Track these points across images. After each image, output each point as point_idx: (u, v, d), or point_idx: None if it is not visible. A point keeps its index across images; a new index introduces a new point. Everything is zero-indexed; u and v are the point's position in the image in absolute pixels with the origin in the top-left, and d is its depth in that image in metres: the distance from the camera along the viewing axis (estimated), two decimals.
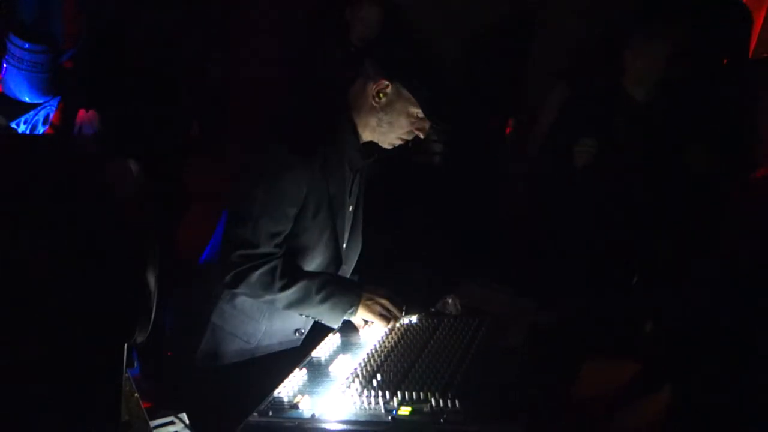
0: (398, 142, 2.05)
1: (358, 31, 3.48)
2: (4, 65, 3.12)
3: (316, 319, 2.05)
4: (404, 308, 2.08)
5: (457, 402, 1.57)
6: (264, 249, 1.92)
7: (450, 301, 2.23)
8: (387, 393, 1.62)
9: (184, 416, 1.65)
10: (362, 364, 1.81)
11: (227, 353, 2.04)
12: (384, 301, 2.03)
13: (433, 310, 2.24)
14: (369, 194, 2.26)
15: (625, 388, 1.90)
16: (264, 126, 2.08)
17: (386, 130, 2.01)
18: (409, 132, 2.02)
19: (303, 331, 2.09)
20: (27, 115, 3.18)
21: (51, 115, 3.18)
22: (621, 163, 3.30)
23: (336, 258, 2.07)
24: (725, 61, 3.52)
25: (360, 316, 2.03)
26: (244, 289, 1.94)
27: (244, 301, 2.01)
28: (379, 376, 1.73)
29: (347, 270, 2.18)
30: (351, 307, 2.00)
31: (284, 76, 3.74)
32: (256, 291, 1.94)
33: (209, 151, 3.88)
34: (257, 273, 1.91)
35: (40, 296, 1.06)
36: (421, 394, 1.61)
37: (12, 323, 1.05)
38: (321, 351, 1.94)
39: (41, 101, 3.17)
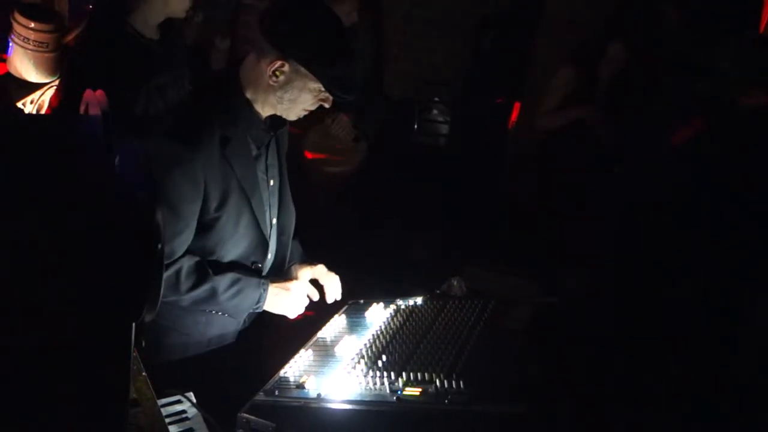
0: (303, 114, 1.96)
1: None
2: (10, 44, 3.11)
3: (221, 314, 2.01)
4: (316, 300, 2.06)
5: (461, 383, 1.57)
6: (165, 250, 1.86)
7: (455, 283, 2.24)
8: (392, 374, 1.63)
9: (191, 395, 1.66)
10: (368, 345, 1.82)
11: (168, 347, 2.00)
12: (290, 294, 2.01)
13: (438, 292, 2.25)
14: (375, 177, 2.25)
15: None
16: (154, 124, 1.96)
17: (288, 106, 1.90)
18: (314, 104, 1.92)
19: (260, 303, 2.03)
20: (33, 95, 3.17)
21: None
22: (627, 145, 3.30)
23: (262, 239, 2.00)
24: None
25: (267, 309, 2.01)
26: None
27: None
28: (384, 357, 1.73)
29: (286, 241, 2.12)
30: (257, 303, 1.98)
31: None
32: (164, 291, 1.90)
33: None
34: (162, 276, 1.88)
35: (49, 276, 1.06)
36: (426, 375, 1.62)
37: (21, 303, 1.06)
38: (327, 332, 1.95)
39: (47, 81, 3.16)
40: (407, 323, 1.97)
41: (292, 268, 2.16)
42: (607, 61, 3.56)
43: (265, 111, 1.93)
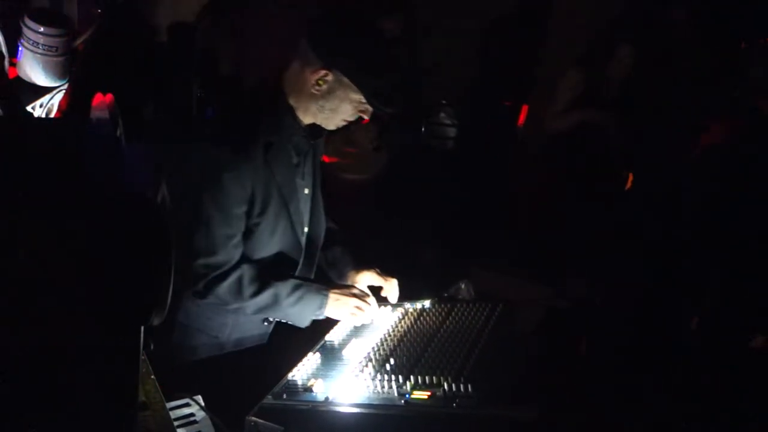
0: (342, 124, 1.98)
1: None
2: (20, 49, 3.13)
3: (284, 321, 2.01)
4: (375, 304, 2.04)
5: (470, 386, 1.57)
6: (222, 255, 1.88)
7: (463, 286, 2.23)
8: (400, 377, 1.63)
9: (199, 398, 1.66)
10: (375, 348, 1.82)
11: (196, 348, 2.02)
12: (351, 299, 2.00)
13: (446, 295, 2.24)
14: (382, 180, 2.25)
15: None
16: (202, 129, 2.00)
17: (329, 115, 1.93)
18: (353, 115, 1.95)
19: (271, 319, 2.06)
20: (42, 99, 3.19)
21: None
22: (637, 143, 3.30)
23: (296, 245, 2.02)
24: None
25: (329, 315, 2.00)
26: (214, 299, 1.92)
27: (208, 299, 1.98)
28: (392, 361, 1.73)
29: (315, 250, 2.13)
30: (319, 308, 1.97)
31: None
32: (226, 300, 1.92)
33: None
34: (225, 284, 1.89)
35: (58, 279, 1.07)
36: (434, 378, 1.62)
37: (31, 306, 1.07)
38: (335, 335, 1.95)
39: (57, 85, 3.17)
40: (415, 326, 1.97)
41: (349, 273, 2.18)
42: (615, 62, 3.56)
43: (306, 119, 1.96)
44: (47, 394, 1.08)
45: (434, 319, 2.02)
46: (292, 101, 1.92)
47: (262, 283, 1.93)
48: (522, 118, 4.58)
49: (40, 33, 3.05)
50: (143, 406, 1.46)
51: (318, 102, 1.90)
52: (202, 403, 1.64)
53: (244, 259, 1.95)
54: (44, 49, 3.08)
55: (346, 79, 1.86)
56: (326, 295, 1.98)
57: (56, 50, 3.09)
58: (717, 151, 2.66)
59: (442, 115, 4.34)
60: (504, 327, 1.97)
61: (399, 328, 1.97)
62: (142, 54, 2.99)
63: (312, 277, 2.14)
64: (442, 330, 1.94)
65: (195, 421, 1.61)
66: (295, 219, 1.99)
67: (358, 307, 2.00)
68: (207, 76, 3.41)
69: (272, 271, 1.97)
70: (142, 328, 1.16)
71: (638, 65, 3.56)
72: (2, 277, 1.04)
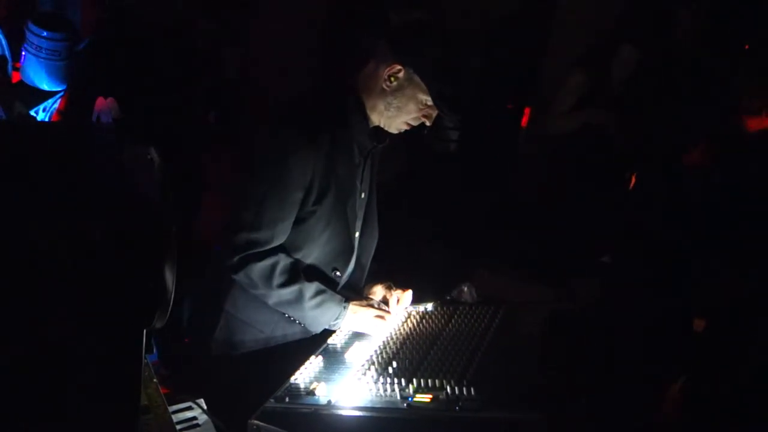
0: (404, 128, 2.02)
1: None
2: (23, 53, 3.14)
3: (298, 322, 2.01)
4: (393, 317, 2.04)
5: (472, 389, 1.57)
6: (266, 234, 1.90)
7: (466, 289, 2.23)
8: (403, 380, 1.63)
9: (201, 402, 1.66)
10: (378, 352, 1.82)
11: (242, 342, 2.03)
12: (370, 311, 2.00)
13: (449, 297, 2.24)
14: (385, 182, 2.25)
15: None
16: (273, 110, 2.07)
17: (394, 114, 1.98)
18: (416, 118, 1.99)
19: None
20: (46, 103, 3.20)
21: None
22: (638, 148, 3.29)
23: (348, 246, 2.04)
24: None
25: (345, 326, 2.00)
26: (243, 276, 1.92)
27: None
28: (394, 364, 1.73)
29: (365, 262, 2.14)
30: (336, 318, 1.97)
31: (300, 65, 3.73)
32: (254, 282, 1.93)
33: (225, 141, 3.89)
34: (259, 264, 1.90)
35: (60, 283, 1.07)
36: (437, 381, 1.62)
37: (32, 309, 1.07)
38: (337, 338, 1.95)
39: (60, 89, 3.19)
40: (418, 329, 1.97)
41: (366, 286, 2.18)
42: (618, 63, 3.55)
43: (372, 118, 2.00)
44: (49, 397, 1.09)
45: (437, 321, 2.02)
46: (363, 98, 1.98)
47: (292, 276, 1.94)
48: (525, 120, 4.58)
49: (44, 37, 3.07)
50: (145, 409, 1.46)
51: (387, 98, 1.96)
52: (205, 407, 1.64)
53: (290, 248, 1.97)
54: (47, 54, 3.09)
55: (416, 78, 1.93)
56: (345, 307, 1.98)
57: (59, 55, 3.11)
58: (696, 176, 2.68)
59: (445, 118, 4.33)
60: (507, 330, 1.97)
61: (402, 331, 1.97)
62: (145, 57, 3.00)
63: (362, 285, 2.16)
64: (444, 333, 1.93)
65: (197, 425, 1.61)
66: (350, 217, 2.02)
67: (375, 323, 1.99)
68: (211, 73, 3.42)
69: (305, 270, 1.99)
70: (145, 331, 1.16)
71: (642, 66, 3.56)
72: (4, 279, 1.04)
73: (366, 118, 2.00)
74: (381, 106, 1.97)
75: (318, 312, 1.96)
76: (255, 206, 1.89)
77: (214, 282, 2.06)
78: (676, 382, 1.85)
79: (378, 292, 2.15)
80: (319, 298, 1.95)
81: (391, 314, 2.04)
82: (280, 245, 1.95)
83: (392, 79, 1.93)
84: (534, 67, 4.44)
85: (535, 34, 4.35)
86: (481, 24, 4.42)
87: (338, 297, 2.00)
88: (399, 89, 1.94)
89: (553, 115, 3.69)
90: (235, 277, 1.94)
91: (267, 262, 1.91)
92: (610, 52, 3.58)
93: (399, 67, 1.93)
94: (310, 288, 1.95)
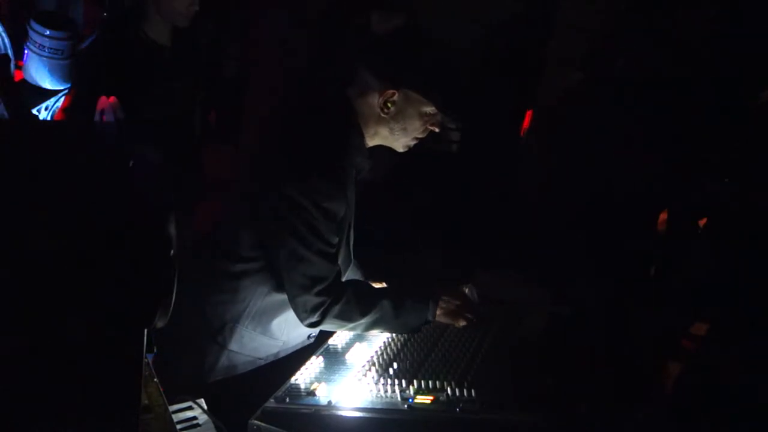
0: (413, 143, 1.98)
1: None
2: (26, 52, 3.14)
3: (395, 333, 1.97)
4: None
5: (473, 391, 1.57)
6: (329, 279, 1.85)
7: (467, 290, 2.23)
8: (403, 381, 1.63)
9: (202, 402, 1.66)
10: (379, 353, 1.82)
11: (240, 369, 2.00)
12: (460, 309, 2.00)
13: None
14: (387, 183, 2.25)
15: None
16: (283, 149, 1.93)
17: (400, 135, 1.92)
18: (424, 130, 1.95)
19: (314, 335, 2.06)
20: (48, 102, 3.20)
21: None
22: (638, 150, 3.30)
23: (348, 257, 2.04)
24: None
25: (438, 318, 1.99)
26: (327, 324, 1.89)
27: (268, 324, 1.97)
28: (395, 365, 1.73)
29: (349, 267, 2.12)
30: (427, 316, 1.96)
31: (298, 67, 3.73)
32: (341, 323, 1.90)
33: (225, 141, 3.89)
34: (338, 307, 1.86)
35: (61, 282, 1.07)
36: (438, 382, 1.62)
37: (33, 309, 1.07)
38: (338, 339, 1.95)
39: (62, 88, 3.19)
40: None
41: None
42: (620, 65, 3.55)
43: (372, 142, 1.95)
44: (49, 396, 1.09)
45: (438, 323, 2.02)
46: (361, 126, 1.91)
47: (366, 299, 1.91)
48: (526, 122, 4.58)
49: (46, 36, 3.07)
50: (146, 409, 1.46)
51: (389, 124, 1.90)
52: (205, 407, 1.64)
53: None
54: (50, 53, 3.09)
55: (414, 95, 1.86)
56: (432, 304, 1.97)
57: (62, 53, 3.11)
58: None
59: (446, 119, 4.34)
60: (507, 331, 1.97)
61: None
62: (144, 57, 3.00)
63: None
64: (445, 334, 1.94)
65: (198, 425, 1.61)
66: (350, 236, 2.01)
67: (467, 315, 1.99)
68: (211, 78, 3.42)
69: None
70: (146, 331, 1.16)
71: (642, 69, 3.56)
72: (5, 280, 1.04)
73: (364, 142, 1.93)
74: (384, 131, 1.92)
75: (405, 318, 1.93)
76: (310, 262, 1.82)
77: (209, 326, 1.98)
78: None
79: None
80: (401, 306, 1.92)
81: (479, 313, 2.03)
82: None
83: (389, 104, 1.87)
84: (536, 69, 4.45)
85: (538, 36, 4.35)
86: (482, 26, 4.43)
87: (419, 296, 1.97)
88: (399, 112, 1.88)
89: (556, 118, 3.70)
90: (320, 328, 1.92)
91: (342, 303, 1.86)
92: (612, 55, 3.58)
93: (392, 91, 1.85)
94: (388, 301, 1.92)
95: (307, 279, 1.83)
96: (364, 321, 1.90)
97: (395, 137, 1.93)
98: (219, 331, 1.96)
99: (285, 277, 1.86)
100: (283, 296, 1.90)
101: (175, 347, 1.89)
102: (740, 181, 2.47)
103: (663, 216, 3.16)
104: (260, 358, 2.01)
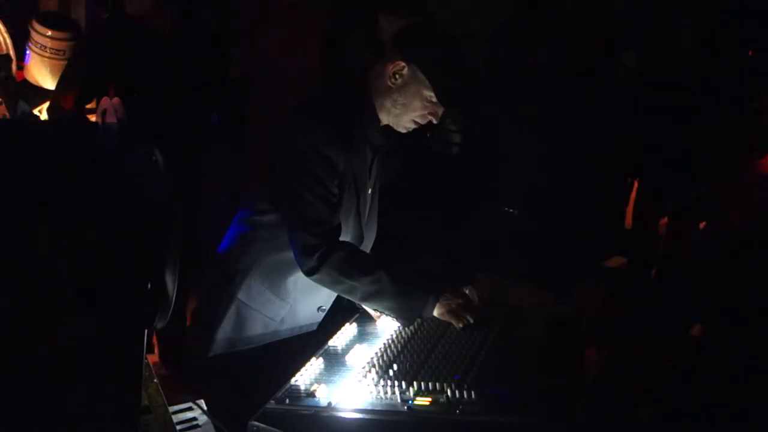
0: (411, 126, 2.04)
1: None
2: (27, 52, 3.15)
3: (389, 314, 2.01)
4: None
5: (473, 393, 1.57)
6: (329, 223, 1.93)
7: (468, 291, 2.23)
8: (403, 383, 1.63)
9: (202, 402, 1.66)
10: (379, 354, 1.82)
11: (250, 328, 2.06)
12: (461, 302, 2.02)
13: None
14: (388, 185, 2.25)
15: None
16: (294, 109, 2.07)
17: (400, 111, 2.00)
18: (423, 116, 2.01)
19: (325, 308, 2.12)
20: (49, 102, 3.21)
21: None
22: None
23: (359, 235, 2.09)
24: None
25: (436, 314, 2.00)
26: (325, 275, 1.93)
27: (276, 281, 2.04)
28: (395, 366, 1.73)
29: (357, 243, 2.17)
30: (425, 307, 1.98)
31: (303, 66, 3.73)
32: (337, 277, 1.93)
33: (228, 140, 3.90)
34: (336, 256, 1.91)
35: (61, 282, 1.07)
36: (437, 384, 1.62)
37: (34, 309, 1.07)
38: (338, 340, 1.95)
39: None
40: (419, 332, 1.97)
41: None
42: (621, 67, 3.56)
43: (381, 116, 2.04)
44: (50, 396, 1.09)
45: (438, 324, 2.01)
46: (372, 96, 2.01)
47: (370, 263, 1.98)
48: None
49: (48, 36, 3.08)
50: (146, 409, 1.47)
51: (393, 96, 1.98)
52: (205, 408, 1.64)
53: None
54: (51, 53, 3.11)
55: (420, 75, 1.95)
56: (433, 297, 1.99)
57: (63, 54, 3.12)
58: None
59: (448, 120, 4.33)
60: (508, 333, 1.96)
61: (403, 333, 1.96)
62: (150, 57, 3.00)
63: None
64: (445, 336, 1.93)
65: (197, 426, 1.61)
66: (362, 209, 2.07)
67: (462, 316, 1.99)
68: (214, 73, 3.42)
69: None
70: (146, 331, 1.16)
71: (644, 70, 3.56)
72: (5, 279, 1.05)
73: (376, 116, 2.03)
74: (388, 103, 2.00)
75: (403, 301, 1.96)
76: (308, 202, 1.91)
77: (219, 281, 2.08)
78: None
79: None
80: (402, 286, 1.96)
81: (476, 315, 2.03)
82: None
83: (397, 76, 1.96)
84: (537, 70, 4.44)
85: (540, 37, 4.35)
86: (483, 27, 4.43)
87: (423, 286, 2.01)
88: (404, 86, 1.97)
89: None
90: (315, 279, 1.95)
91: (342, 253, 1.93)
92: (614, 56, 3.58)
93: (402, 63, 1.95)
94: (389, 275, 1.95)
95: (304, 217, 1.92)
96: (362, 284, 1.94)
97: (396, 111, 2.00)
98: (231, 280, 2.05)
99: (285, 217, 1.97)
100: (292, 255, 1.96)
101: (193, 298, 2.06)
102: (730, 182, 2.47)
103: (663, 219, 3.17)
104: (268, 318, 2.06)
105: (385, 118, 2.04)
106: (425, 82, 1.95)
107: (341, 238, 2.00)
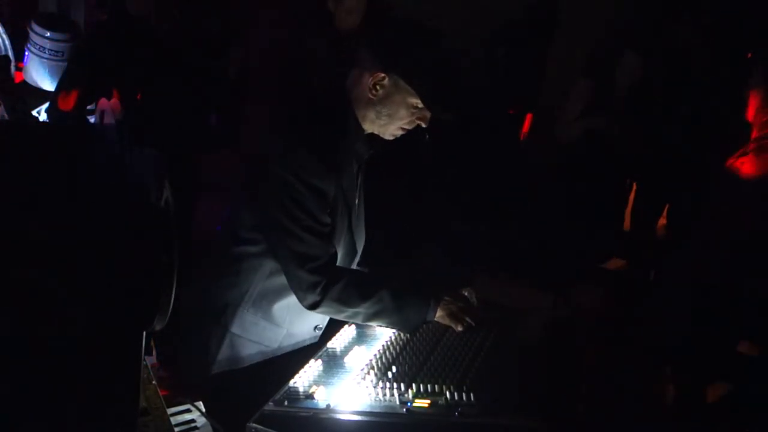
0: (399, 133, 1.97)
1: (342, 21, 3.28)
2: (26, 54, 3.15)
3: (393, 328, 1.97)
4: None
5: (472, 395, 1.57)
6: (325, 257, 1.86)
7: (466, 294, 2.23)
8: (402, 385, 1.63)
9: (200, 404, 1.66)
10: (378, 356, 1.82)
11: (246, 358, 2.01)
12: (460, 305, 2.00)
13: None
14: (386, 187, 2.25)
15: None
16: (275, 129, 1.98)
17: (386, 122, 1.91)
18: (411, 122, 1.93)
19: (321, 326, 2.08)
20: (48, 104, 3.21)
21: None
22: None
23: (352, 252, 2.05)
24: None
25: (436, 317, 1.98)
26: (328, 307, 1.89)
27: (269, 309, 1.98)
28: (394, 368, 1.73)
29: (354, 262, 2.14)
30: (426, 315, 1.95)
31: (300, 66, 3.73)
32: (339, 307, 1.89)
33: (226, 143, 3.89)
34: (336, 287, 1.86)
35: (60, 284, 1.07)
36: (436, 386, 1.61)
37: (32, 311, 1.07)
38: (337, 342, 1.94)
39: None
40: (417, 334, 1.96)
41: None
42: (622, 70, 3.56)
43: (365, 127, 1.95)
44: (49, 398, 1.08)
45: (437, 326, 2.01)
46: (354, 108, 1.92)
47: (367, 286, 1.92)
48: (526, 126, 4.59)
49: (47, 38, 3.08)
50: (144, 411, 1.46)
51: (375, 107, 1.89)
52: (203, 409, 1.64)
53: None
54: (50, 54, 3.10)
55: (402, 83, 1.85)
56: (433, 304, 1.96)
57: (62, 55, 3.12)
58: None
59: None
60: (507, 335, 1.96)
61: (401, 335, 1.96)
62: (147, 58, 3.00)
63: None
64: (444, 338, 1.93)
65: (196, 427, 1.61)
66: (354, 224, 2.01)
67: (464, 321, 1.97)
68: (212, 79, 3.42)
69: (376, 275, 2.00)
70: (144, 333, 1.16)
71: (646, 73, 3.56)
72: (4, 281, 1.04)
73: (360, 126, 1.94)
74: (372, 115, 1.91)
75: (405, 314, 1.92)
76: (302, 239, 1.83)
77: (213, 308, 2.00)
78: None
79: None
80: (403, 300, 1.92)
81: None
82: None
83: (378, 87, 1.86)
84: (537, 73, 4.45)
85: (539, 39, 4.36)
86: (483, 30, 4.44)
87: (422, 293, 1.97)
88: (386, 97, 1.87)
89: (561, 123, 3.71)
90: (318, 311, 1.92)
91: (341, 285, 1.87)
92: (614, 59, 3.58)
93: (382, 75, 1.85)
94: (389, 292, 1.91)
95: (297, 255, 1.85)
96: (363, 309, 1.90)
97: (381, 122, 1.92)
98: (221, 313, 1.98)
99: (278, 255, 1.89)
100: (284, 280, 1.92)
101: (181, 331, 1.96)
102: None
103: (662, 221, 3.16)
104: (264, 345, 2.01)
105: (368, 128, 1.95)
106: (409, 89, 1.85)
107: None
